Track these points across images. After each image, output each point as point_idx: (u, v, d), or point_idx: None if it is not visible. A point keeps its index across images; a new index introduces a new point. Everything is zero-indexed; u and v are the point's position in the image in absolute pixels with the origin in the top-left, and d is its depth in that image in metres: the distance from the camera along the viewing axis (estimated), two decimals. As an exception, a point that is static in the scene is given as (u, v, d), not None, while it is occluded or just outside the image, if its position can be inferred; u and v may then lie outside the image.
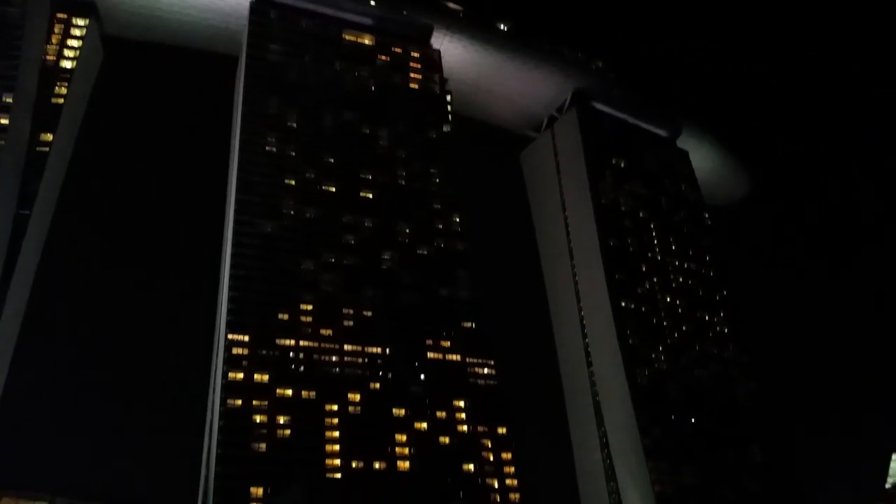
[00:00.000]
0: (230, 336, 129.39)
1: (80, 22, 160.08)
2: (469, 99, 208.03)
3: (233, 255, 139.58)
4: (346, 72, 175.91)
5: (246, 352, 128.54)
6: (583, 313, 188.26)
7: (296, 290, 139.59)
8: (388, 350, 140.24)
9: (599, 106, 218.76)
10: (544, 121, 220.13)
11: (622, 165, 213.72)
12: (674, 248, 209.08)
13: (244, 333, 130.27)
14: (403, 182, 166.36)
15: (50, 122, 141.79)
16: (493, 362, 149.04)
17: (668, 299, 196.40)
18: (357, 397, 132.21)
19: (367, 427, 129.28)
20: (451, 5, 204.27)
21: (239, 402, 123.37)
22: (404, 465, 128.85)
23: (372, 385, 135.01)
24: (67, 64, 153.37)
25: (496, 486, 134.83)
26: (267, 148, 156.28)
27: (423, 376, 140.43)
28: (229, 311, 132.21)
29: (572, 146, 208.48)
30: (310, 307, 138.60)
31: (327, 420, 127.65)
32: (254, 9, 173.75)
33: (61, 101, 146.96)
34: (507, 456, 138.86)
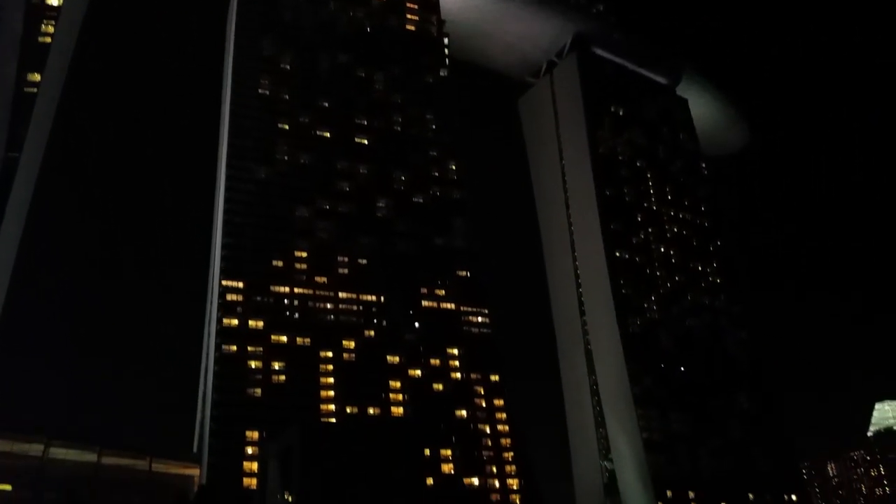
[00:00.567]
0: (224, 282, 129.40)
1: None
2: (467, 42, 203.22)
3: (226, 201, 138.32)
4: (341, 12, 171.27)
5: (240, 298, 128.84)
6: (577, 262, 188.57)
7: (290, 237, 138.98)
8: (382, 298, 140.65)
9: (599, 51, 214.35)
10: (543, 66, 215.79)
11: (621, 113, 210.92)
12: (669, 198, 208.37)
13: (238, 280, 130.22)
14: (399, 128, 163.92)
15: (37, 61, 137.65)
16: (487, 311, 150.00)
17: (663, 249, 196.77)
18: (352, 344, 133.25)
19: (362, 373, 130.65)
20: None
21: (234, 347, 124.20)
22: (398, 410, 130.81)
23: (367, 332, 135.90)
24: (54, 1, 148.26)
25: (488, 431, 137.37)
26: (260, 91, 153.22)
27: (417, 324, 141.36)
28: (223, 258, 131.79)
29: (571, 93, 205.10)
30: (304, 254, 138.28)
31: (322, 366, 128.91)
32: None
33: (48, 39, 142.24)
34: (499, 402, 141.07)
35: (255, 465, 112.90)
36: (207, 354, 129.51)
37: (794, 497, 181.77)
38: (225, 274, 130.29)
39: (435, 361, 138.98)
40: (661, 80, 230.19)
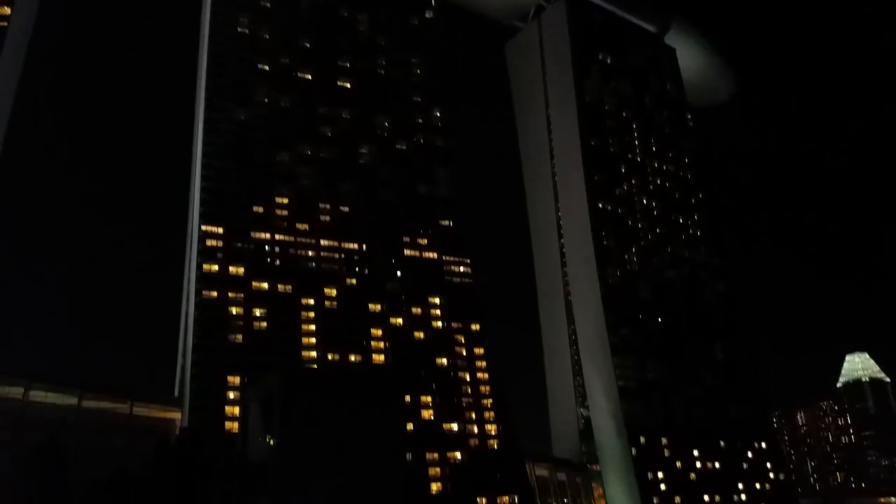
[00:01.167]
0: (204, 227, 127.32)
1: None
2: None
3: (204, 144, 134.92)
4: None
5: (220, 244, 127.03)
6: (560, 213, 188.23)
7: (271, 183, 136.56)
8: (364, 246, 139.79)
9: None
10: (531, 10, 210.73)
11: (608, 61, 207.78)
12: (654, 149, 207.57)
13: (218, 225, 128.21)
14: (383, 71, 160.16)
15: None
16: (469, 260, 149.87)
17: (645, 201, 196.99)
18: (333, 292, 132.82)
19: (344, 321, 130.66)
20: None
21: (214, 293, 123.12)
22: (379, 357, 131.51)
23: (349, 280, 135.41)
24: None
25: (468, 378, 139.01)
26: (239, 29, 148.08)
27: (399, 273, 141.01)
28: (202, 202, 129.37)
29: (559, 38, 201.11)
30: (285, 200, 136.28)
31: (304, 314, 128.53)
32: None
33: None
34: (479, 351, 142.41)
35: (237, 410, 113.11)
36: (188, 300, 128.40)
37: (763, 444, 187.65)
38: (204, 219, 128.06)
39: (416, 310, 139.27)
40: (649, 27, 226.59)
